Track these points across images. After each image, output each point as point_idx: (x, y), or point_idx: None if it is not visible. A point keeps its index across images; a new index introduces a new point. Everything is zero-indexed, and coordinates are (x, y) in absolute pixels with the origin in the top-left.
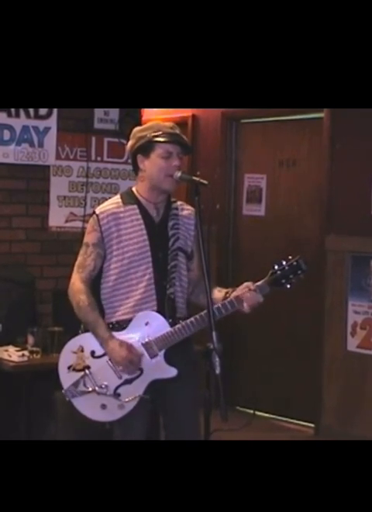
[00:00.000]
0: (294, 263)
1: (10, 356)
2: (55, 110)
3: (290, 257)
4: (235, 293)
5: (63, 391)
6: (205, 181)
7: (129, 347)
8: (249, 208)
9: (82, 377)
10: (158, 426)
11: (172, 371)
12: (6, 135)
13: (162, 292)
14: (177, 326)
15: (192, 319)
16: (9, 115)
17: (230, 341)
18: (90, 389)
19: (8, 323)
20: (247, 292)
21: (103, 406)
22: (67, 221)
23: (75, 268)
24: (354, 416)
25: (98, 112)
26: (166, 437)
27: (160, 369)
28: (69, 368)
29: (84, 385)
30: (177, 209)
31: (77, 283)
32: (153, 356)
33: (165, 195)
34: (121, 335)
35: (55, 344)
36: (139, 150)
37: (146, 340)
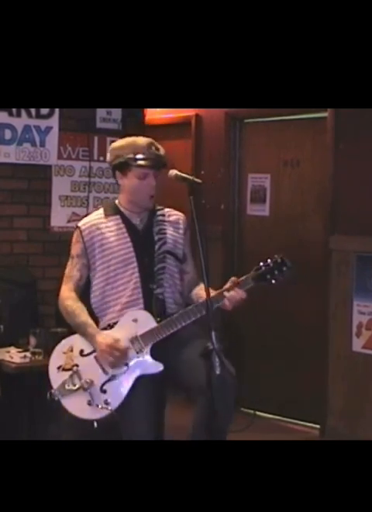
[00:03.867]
0: (279, 260)
1: (12, 357)
2: (57, 110)
3: (275, 256)
4: (218, 290)
5: (52, 391)
6: (199, 180)
7: (115, 338)
8: (254, 208)
9: (70, 375)
10: (162, 425)
11: (158, 367)
12: (7, 134)
13: (149, 293)
14: (163, 322)
15: (177, 314)
16: (11, 114)
17: (234, 341)
18: (77, 386)
19: (10, 325)
20: (230, 290)
21: (89, 404)
22: (69, 221)
23: (64, 279)
24: (360, 416)
25: (101, 112)
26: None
27: (146, 364)
28: (59, 368)
29: (72, 383)
30: (163, 215)
31: (64, 292)
32: (139, 351)
33: (155, 194)
34: (110, 333)
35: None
36: (116, 168)
37: (134, 335)
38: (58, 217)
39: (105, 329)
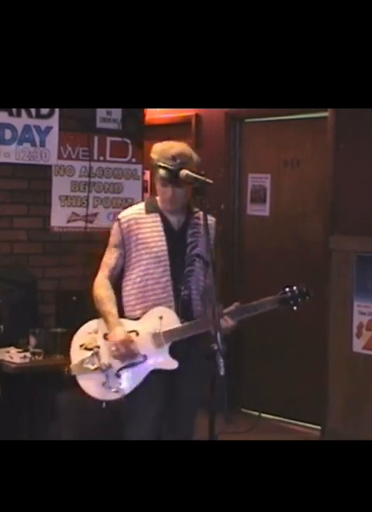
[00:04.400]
0: (304, 289)
1: (12, 357)
2: (57, 110)
3: (300, 284)
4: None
5: (69, 366)
6: (210, 181)
7: (128, 335)
8: (254, 208)
9: (91, 355)
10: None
11: (173, 364)
12: (7, 134)
13: (177, 294)
14: (185, 324)
15: (198, 319)
16: (11, 114)
17: (235, 342)
18: (95, 366)
19: (10, 325)
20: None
21: (103, 385)
22: (69, 221)
23: (101, 267)
24: (360, 417)
25: (101, 112)
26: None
27: (162, 360)
28: (81, 346)
29: (91, 362)
30: (198, 218)
31: (99, 279)
32: (159, 346)
33: (177, 206)
34: (134, 324)
35: (57, 346)
36: (152, 167)
37: (156, 331)
38: (58, 217)
39: (131, 319)
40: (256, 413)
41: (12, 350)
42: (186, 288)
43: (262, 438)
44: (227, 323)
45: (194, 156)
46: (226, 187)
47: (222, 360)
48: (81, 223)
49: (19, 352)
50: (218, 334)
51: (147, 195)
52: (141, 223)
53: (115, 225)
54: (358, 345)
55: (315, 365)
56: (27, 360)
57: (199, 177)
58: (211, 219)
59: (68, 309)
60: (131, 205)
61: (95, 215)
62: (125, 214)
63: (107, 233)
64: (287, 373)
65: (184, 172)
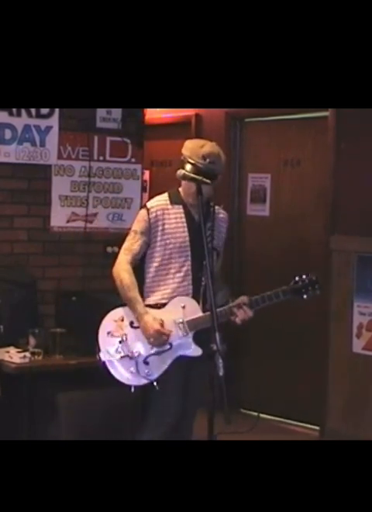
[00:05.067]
0: (314, 278)
1: (11, 357)
2: (57, 109)
3: (310, 273)
4: (230, 305)
5: (100, 353)
6: (208, 180)
7: (161, 322)
8: (254, 208)
9: (119, 343)
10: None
11: (198, 351)
12: (7, 134)
13: (197, 282)
14: (207, 313)
15: (221, 309)
16: (11, 114)
17: (234, 343)
18: (123, 354)
19: (9, 325)
20: (240, 308)
21: (132, 372)
22: (68, 221)
23: (122, 250)
24: (360, 418)
25: (101, 112)
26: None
27: (187, 347)
28: (108, 333)
29: (120, 350)
30: (214, 212)
31: (122, 263)
32: (183, 335)
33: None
34: (159, 313)
35: (57, 346)
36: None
37: (181, 320)
38: (58, 217)
39: (151, 307)
40: (256, 414)
41: (12, 350)
42: (206, 278)
43: (261, 439)
44: (246, 313)
45: (223, 157)
46: (226, 187)
47: (221, 360)
48: (81, 223)
49: (19, 352)
50: (217, 334)
51: (146, 194)
52: (167, 214)
53: (143, 212)
54: (358, 346)
55: (314, 366)
56: (27, 360)
57: (196, 176)
58: (223, 214)
59: (68, 309)
60: (130, 205)
61: (95, 215)
62: (153, 203)
63: (106, 233)
64: (286, 373)
65: (181, 172)
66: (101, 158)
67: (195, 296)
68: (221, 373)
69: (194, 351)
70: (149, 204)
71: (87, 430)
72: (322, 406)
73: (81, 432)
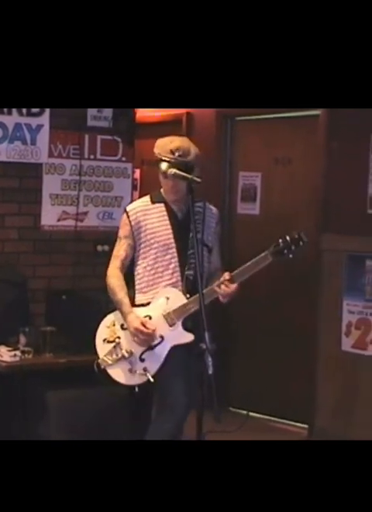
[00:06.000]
0: (296, 236)
1: (2, 356)
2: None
3: (293, 232)
4: (212, 286)
5: (98, 361)
6: (199, 179)
7: (143, 321)
8: (244, 206)
9: (114, 347)
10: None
11: (189, 337)
12: None
13: (187, 278)
14: (191, 298)
15: (204, 290)
16: (1, 112)
17: (224, 341)
18: (119, 356)
19: (0, 323)
20: (221, 286)
21: (130, 371)
22: (59, 220)
23: (111, 258)
24: (348, 416)
25: (92, 110)
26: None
27: (178, 335)
28: (104, 340)
29: (115, 353)
30: (201, 207)
31: (110, 269)
32: (172, 324)
33: (179, 196)
34: (146, 310)
35: (47, 344)
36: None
37: (167, 311)
38: (49, 216)
39: (143, 306)
40: (245, 412)
41: (2, 348)
42: (190, 268)
43: (250, 437)
44: (228, 288)
45: (193, 150)
46: (217, 185)
47: (210, 359)
48: (72, 222)
49: (9, 351)
50: (206, 333)
51: (137, 193)
52: (148, 214)
53: (124, 217)
54: (347, 344)
55: (304, 364)
56: (17, 358)
57: (187, 176)
58: (213, 208)
59: (58, 308)
60: (121, 203)
61: (86, 213)
62: (133, 206)
63: (97, 231)
64: (276, 372)
65: (172, 170)
66: (92, 157)
67: (186, 290)
68: (210, 372)
69: (186, 337)
70: (128, 207)
71: (78, 428)
72: (311, 405)
73: (72, 430)
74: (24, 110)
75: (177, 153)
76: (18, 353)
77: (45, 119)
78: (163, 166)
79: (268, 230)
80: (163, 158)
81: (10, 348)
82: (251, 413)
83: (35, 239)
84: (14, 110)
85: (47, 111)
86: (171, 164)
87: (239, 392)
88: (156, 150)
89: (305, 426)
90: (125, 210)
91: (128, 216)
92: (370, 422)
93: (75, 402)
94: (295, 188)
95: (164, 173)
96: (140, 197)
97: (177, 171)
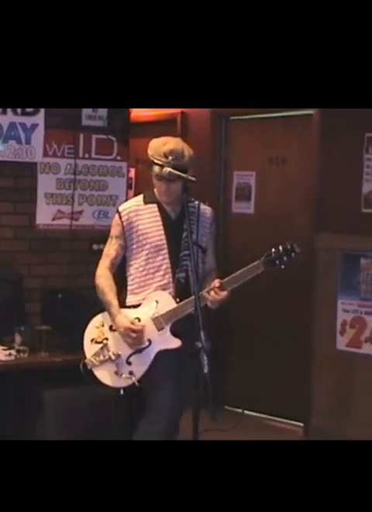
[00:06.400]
0: (288, 246)
1: None
2: None
3: (286, 242)
4: (202, 292)
5: (84, 361)
6: (194, 178)
7: (132, 320)
8: (239, 205)
9: (101, 348)
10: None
11: (176, 342)
12: None
13: (178, 280)
14: (180, 303)
15: (190, 298)
16: None
17: (219, 340)
18: (106, 358)
19: None
20: (211, 292)
21: (116, 373)
22: (54, 219)
23: (101, 258)
24: (343, 415)
25: (86, 110)
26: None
27: (166, 340)
28: (92, 340)
29: (102, 354)
30: (194, 207)
31: (100, 269)
32: (160, 329)
33: (172, 199)
34: (135, 311)
35: (43, 343)
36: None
37: (155, 315)
38: (44, 215)
39: (134, 307)
40: (240, 411)
41: None
42: (182, 270)
43: (245, 436)
44: (218, 295)
45: (187, 153)
46: (211, 184)
47: (205, 358)
48: (67, 221)
49: (5, 350)
50: (202, 333)
51: (132, 192)
52: (140, 214)
53: (116, 217)
54: (341, 343)
55: (299, 363)
56: (12, 357)
57: (182, 175)
58: (207, 209)
59: (54, 307)
60: (116, 202)
61: (81, 212)
62: (125, 206)
63: (92, 230)
64: (271, 370)
65: (167, 170)
66: (87, 156)
67: (177, 294)
68: (206, 371)
69: (173, 342)
70: (120, 207)
71: (74, 427)
72: (307, 403)
73: (68, 429)
74: (19, 109)
75: (170, 157)
76: (13, 352)
77: (40, 118)
78: (157, 169)
79: (263, 229)
80: (157, 161)
81: (5, 347)
82: (247, 412)
83: (30, 238)
84: (8, 109)
85: (42, 110)
86: (157, 168)
87: (235, 390)
88: (149, 152)
89: (301, 424)
90: (117, 210)
91: (120, 216)
92: (365, 420)
93: (71, 401)
94: (289, 188)
95: (157, 175)
96: (135, 196)
97: (172, 171)
